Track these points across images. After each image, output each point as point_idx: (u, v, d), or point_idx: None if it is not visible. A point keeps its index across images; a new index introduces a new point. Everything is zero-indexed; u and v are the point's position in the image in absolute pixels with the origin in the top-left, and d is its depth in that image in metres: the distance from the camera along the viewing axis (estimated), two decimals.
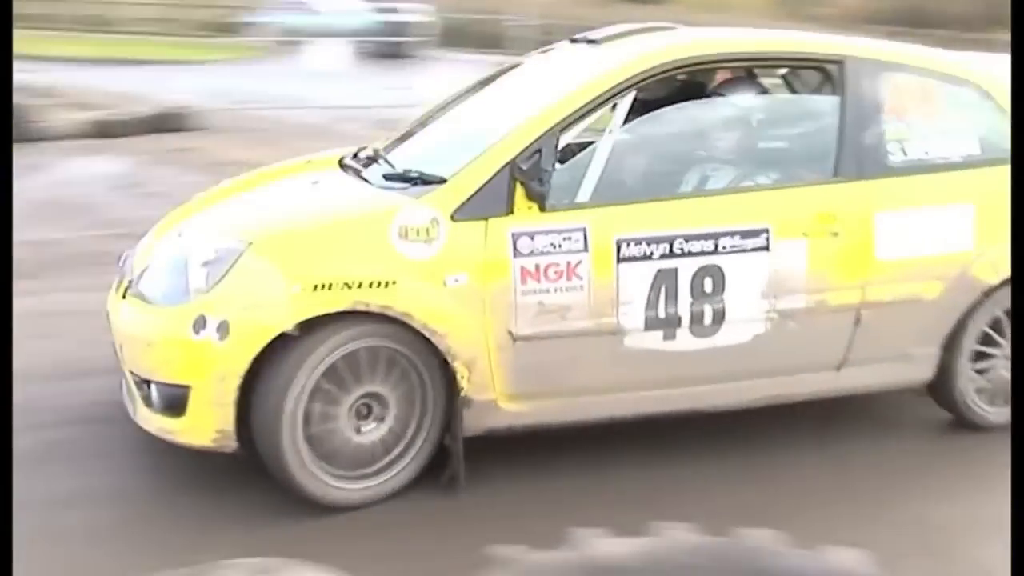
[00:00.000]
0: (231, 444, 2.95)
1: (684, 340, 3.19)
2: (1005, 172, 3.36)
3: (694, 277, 3.14)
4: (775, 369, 3.40)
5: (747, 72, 3.76)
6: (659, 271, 3.10)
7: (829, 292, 3.34)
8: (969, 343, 3.63)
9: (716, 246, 3.15)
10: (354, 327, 2.92)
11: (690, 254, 3.12)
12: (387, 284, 2.89)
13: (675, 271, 3.12)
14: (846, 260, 3.34)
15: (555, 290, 3.03)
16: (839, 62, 3.46)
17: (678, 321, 3.15)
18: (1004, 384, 3.70)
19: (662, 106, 3.43)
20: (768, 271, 3.22)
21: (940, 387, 3.67)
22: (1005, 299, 3.53)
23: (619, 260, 3.06)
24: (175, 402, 2.96)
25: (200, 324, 2.85)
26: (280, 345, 2.84)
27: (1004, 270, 3.42)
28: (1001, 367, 3.70)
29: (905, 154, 3.47)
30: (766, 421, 3.56)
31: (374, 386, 3.00)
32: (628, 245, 3.06)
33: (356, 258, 2.94)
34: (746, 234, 3.19)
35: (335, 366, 2.91)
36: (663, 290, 3.12)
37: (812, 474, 3.41)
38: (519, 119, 3.19)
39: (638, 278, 3.09)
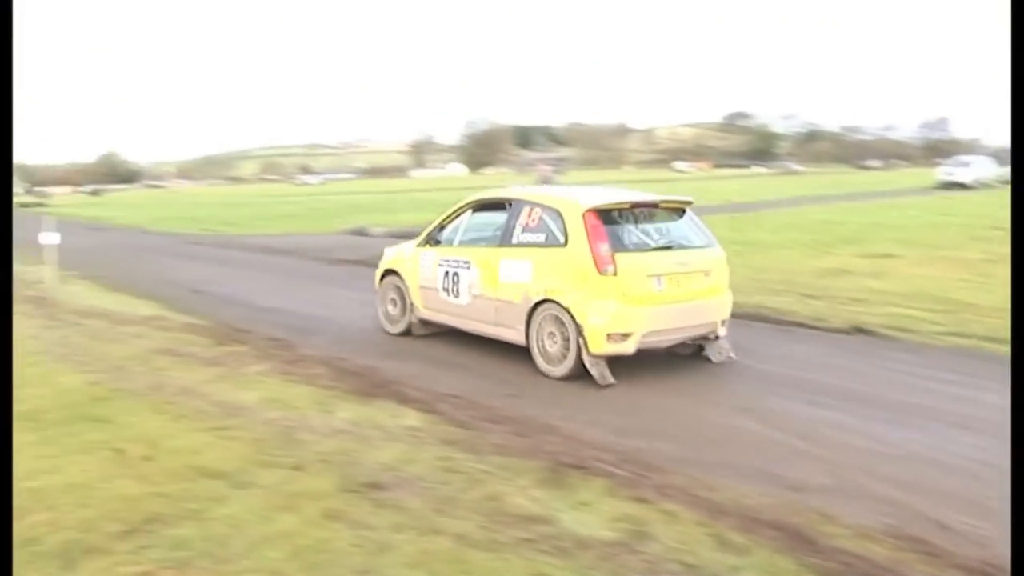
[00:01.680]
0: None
1: (448, 298, 9.85)
2: (557, 251, 8.54)
3: (446, 275, 9.87)
4: (477, 319, 9.52)
5: (498, 203, 9.76)
6: (445, 272, 9.89)
7: (487, 291, 9.28)
8: (532, 327, 8.76)
9: (456, 265, 9.74)
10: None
11: (451, 267, 9.83)
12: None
13: (448, 272, 9.85)
14: (491, 278, 9.20)
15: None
16: (511, 200, 9.48)
17: (447, 291, 9.85)
18: (554, 353, 8.56)
19: (479, 212, 10.02)
20: (469, 278, 9.50)
21: (528, 347, 8.86)
22: (544, 308, 8.61)
23: (440, 267, 10.00)
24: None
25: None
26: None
27: (541, 295, 8.60)
28: (547, 343, 8.65)
29: (517, 238, 9.05)
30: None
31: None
32: (443, 263, 9.97)
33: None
34: (463, 263, 9.64)
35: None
36: (445, 277, 9.89)
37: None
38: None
39: (443, 274, 9.93)
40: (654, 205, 8.92)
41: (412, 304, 10.51)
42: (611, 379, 8.26)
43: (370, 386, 7.88)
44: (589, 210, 8.44)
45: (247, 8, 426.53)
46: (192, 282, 16.11)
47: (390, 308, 10.96)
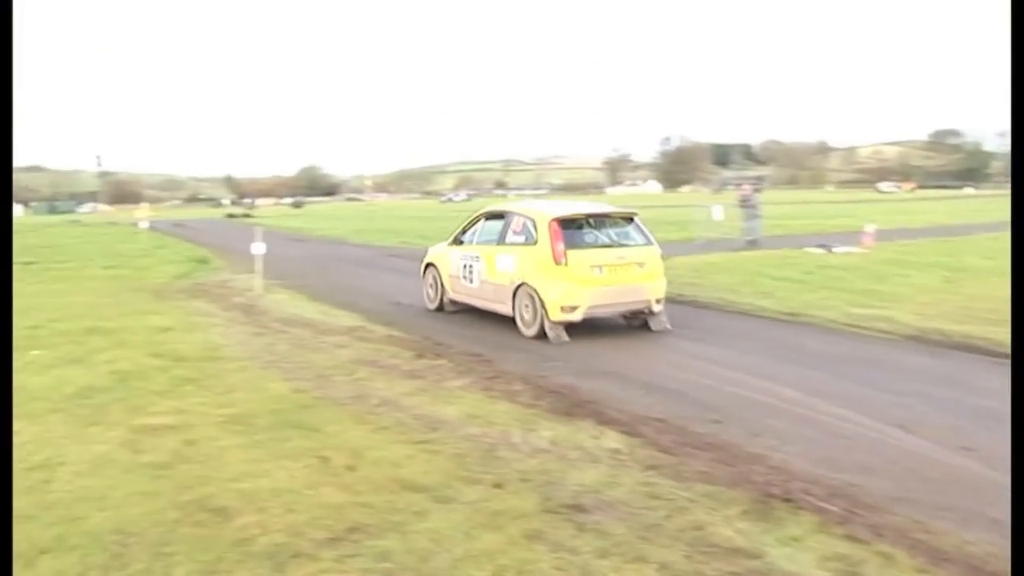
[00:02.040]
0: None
1: (466, 284, 13.59)
2: (531, 248, 12.12)
3: (465, 267, 13.56)
4: (483, 298, 13.26)
5: (500, 214, 13.46)
6: (464, 264, 13.60)
7: (489, 278, 12.96)
8: (515, 302, 12.27)
9: (472, 259, 13.44)
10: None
11: (468, 261, 13.50)
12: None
13: (466, 264, 13.54)
14: (491, 268, 12.91)
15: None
16: (507, 212, 13.22)
17: (466, 278, 13.58)
18: (528, 319, 12.03)
19: (488, 221, 13.70)
20: (479, 268, 13.19)
21: (513, 316, 12.39)
22: (522, 289, 12.13)
23: (461, 260, 13.69)
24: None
25: None
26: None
27: (520, 280, 12.15)
28: (524, 313, 12.12)
29: (508, 239, 12.71)
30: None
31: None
32: (463, 258, 13.66)
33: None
34: (475, 257, 13.35)
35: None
36: (464, 268, 13.59)
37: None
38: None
39: (463, 266, 13.64)
40: (605, 215, 12.57)
41: (444, 288, 14.33)
42: (565, 338, 11.75)
43: (570, 405, 7.84)
44: (553, 219, 12.04)
45: (445, 25, 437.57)
46: (391, 294, 16.55)
47: (430, 291, 14.80)
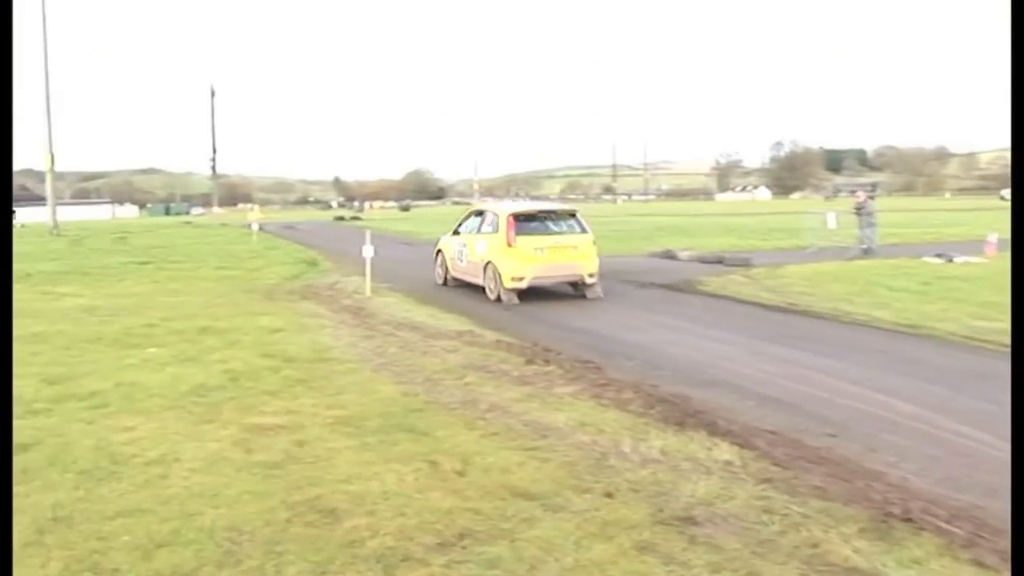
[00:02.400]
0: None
1: (460, 263, 18.63)
2: (495, 235, 17.11)
3: (458, 251, 18.69)
4: (468, 274, 18.23)
5: (480, 212, 18.74)
6: (458, 249, 18.72)
7: (471, 258, 17.95)
8: (485, 276, 17.12)
9: (462, 245, 18.49)
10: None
11: (460, 246, 18.59)
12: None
13: (459, 249, 18.64)
14: (473, 252, 17.90)
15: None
16: (484, 211, 18.45)
17: (459, 259, 18.64)
18: (492, 288, 16.88)
19: (474, 216, 18.90)
20: (466, 252, 18.21)
21: (484, 286, 17.32)
22: (488, 265, 16.99)
23: (456, 246, 18.78)
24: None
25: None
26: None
27: (487, 259, 17.02)
28: (491, 283, 16.94)
29: (482, 230, 17.84)
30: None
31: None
32: (458, 244, 18.77)
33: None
34: (464, 244, 18.46)
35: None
36: (458, 252, 18.74)
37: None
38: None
39: (458, 250, 18.77)
40: (551, 212, 17.45)
41: (447, 267, 19.31)
42: (516, 300, 16.38)
43: (682, 415, 7.76)
44: (510, 214, 16.83)
45: (553, 28, 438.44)
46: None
47: (439, 270, 19.83)
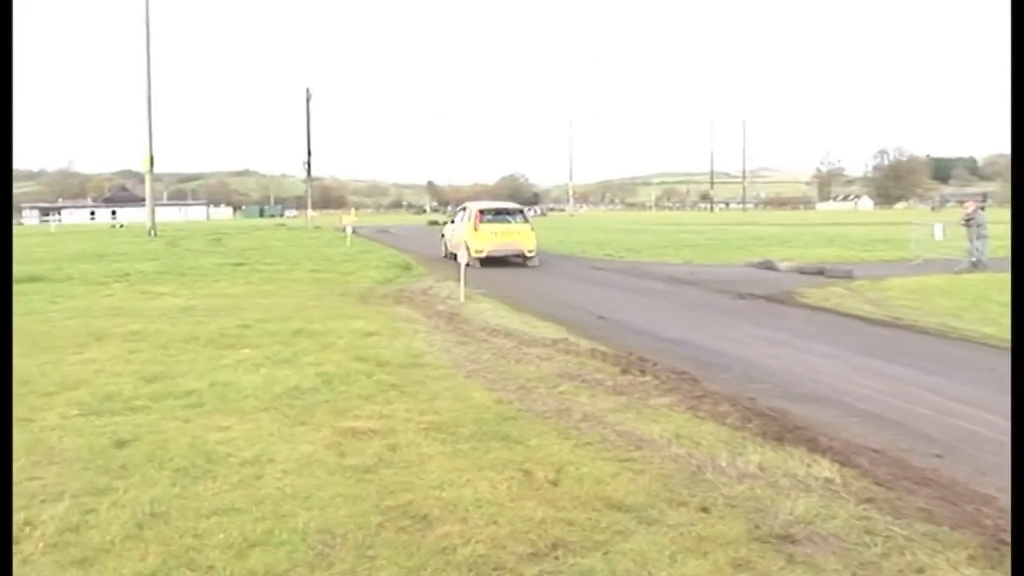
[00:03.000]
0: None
1: (451, 241, 30.31)
2: (468, 224, 28.64)
3: (451, 234, 30.78)
4: (455, 250, 26.48)
5: (464, 208, 31.78)
6: (452, 232, 30.67)
7: (455, 239, 29.10)
8: (460, 250, 21.38)
9: (452, 230, 31.01)
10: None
11: (451, 231, 31.09)
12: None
13: (452, 233, 30.74)
14: (458, 234, 29.29)
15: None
16: (466, 207, 30.79)
17: (451, 240, 30.28)
18: (462, 257, 19.60)
19: (461, 212, 31.40)
20: (454, 234, 29.79)
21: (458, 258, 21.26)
22: (464, 243, 25.13)
23: (450, 231, 31.35)
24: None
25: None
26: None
27: (463, 239, 26.61)
28: (462, 254, 19.85)
29: (461, 219, 30.22)
30: None
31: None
32: (450, 228, 31.74)
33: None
34: (452, 229, 31.21)
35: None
36: (452, 234, 30.47)
37: None
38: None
39: (451, 233, 31.05)
40: (504, 208, 29.35)
41: (446, 245, 30.28)
42: (478, 265, 25.64)
43: (781, 430, 7.66)
44: (477, 210, 28.08)
45: (653, 35, 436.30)
46: (596, 308, 16.64)
47: (442, 248, 31.12)
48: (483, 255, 26.72)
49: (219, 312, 15.22)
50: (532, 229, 28.14)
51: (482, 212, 28.03)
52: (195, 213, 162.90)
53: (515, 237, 27.44)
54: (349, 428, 7.44)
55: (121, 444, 7.00)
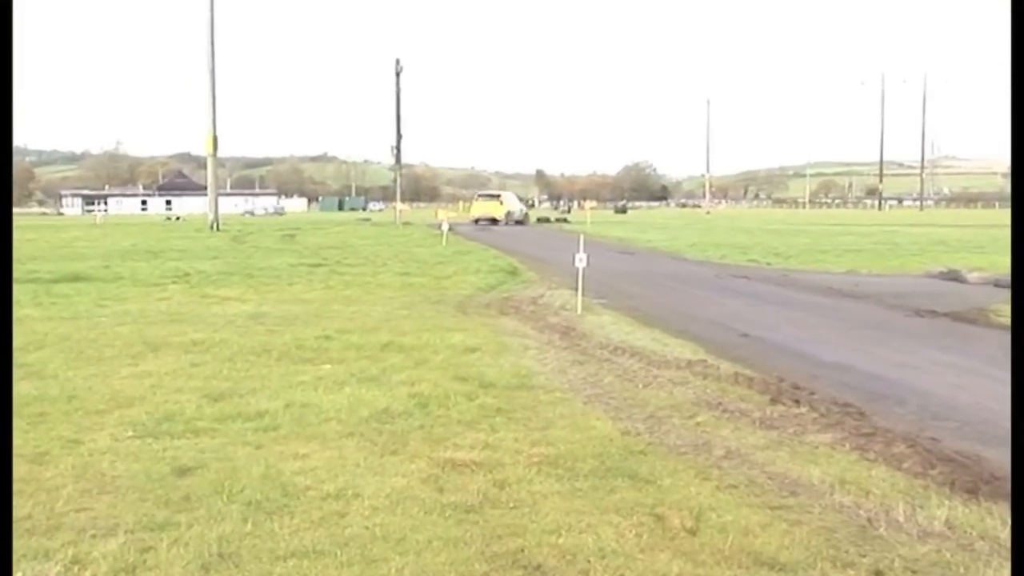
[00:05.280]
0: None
1: (470, 214, 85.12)
2: (474, 201, 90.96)
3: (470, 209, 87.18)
4: (473, 218, 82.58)
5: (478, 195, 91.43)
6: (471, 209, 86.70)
7: (471, 213, 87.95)
8: (473, 217, 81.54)
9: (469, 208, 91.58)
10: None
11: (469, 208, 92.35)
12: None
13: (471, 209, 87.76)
14: (472, 208, 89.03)
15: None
16: (479, 195, 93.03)
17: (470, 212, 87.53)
18: (472, 221, 78.24)
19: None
20: (477, 209, 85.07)
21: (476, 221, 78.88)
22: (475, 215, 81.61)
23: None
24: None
25: None
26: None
27: (476, 214, 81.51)
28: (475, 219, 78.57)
29: (476, 200, 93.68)
30: None
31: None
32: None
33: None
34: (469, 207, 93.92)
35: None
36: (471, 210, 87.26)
37: None
38: None
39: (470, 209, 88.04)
40: (492, 193, 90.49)
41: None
42: (479, 226, 70.05)
43: (973, 479, 7.51)
44: (478, 195, 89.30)
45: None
46: (739, 323, 16.52)
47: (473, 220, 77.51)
48: (482, 220, 73.80)
49: (294, 320, 15.52)
50: (502, 203, 77.99)
51: (480, 195, 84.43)
52: (263, 204, 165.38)
53: (493, 210, 76.45)
54: (448, 459, 7.51)
55: (183, 472, 7.17)
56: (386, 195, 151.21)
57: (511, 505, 6.51)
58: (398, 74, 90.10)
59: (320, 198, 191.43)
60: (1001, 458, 8.31)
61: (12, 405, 7.24)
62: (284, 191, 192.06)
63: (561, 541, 5.81)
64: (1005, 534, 6.34)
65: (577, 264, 17.36)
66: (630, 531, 6.03)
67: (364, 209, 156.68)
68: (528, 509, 6.42)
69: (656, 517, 6.29)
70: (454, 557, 5.54)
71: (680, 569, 5.46)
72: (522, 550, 5.67)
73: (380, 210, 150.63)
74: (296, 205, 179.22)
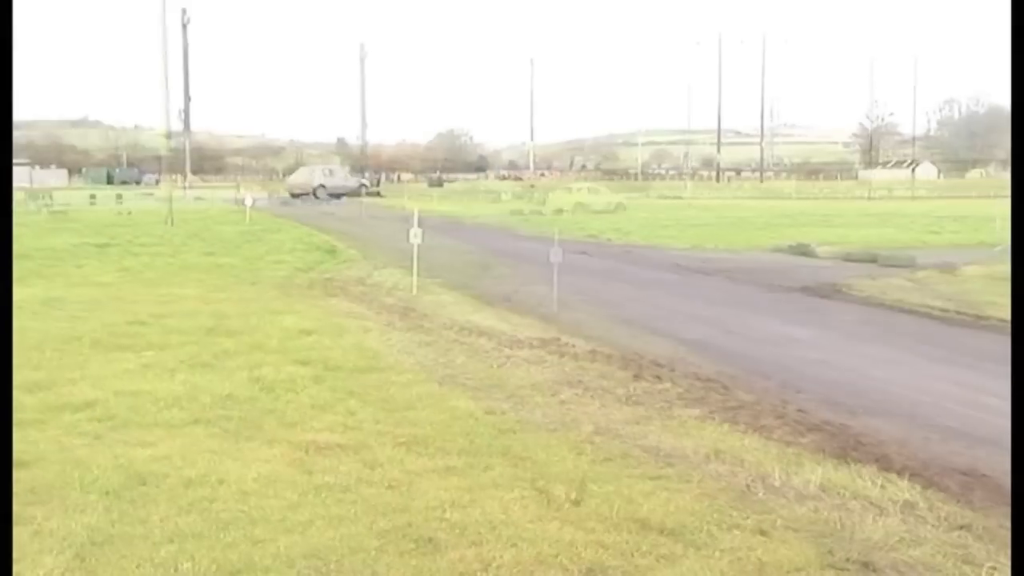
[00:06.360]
0: None
1: None
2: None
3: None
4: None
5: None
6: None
7: None
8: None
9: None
10: None
11: None
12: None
13: None
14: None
15: None
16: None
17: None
18: None
19: None
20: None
21: None
22: None
23: None
24: None
25: None
26: None
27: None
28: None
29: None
30: None
31: None
32: None
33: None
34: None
35: None
36: None
37: None
38: None
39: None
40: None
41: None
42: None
43: (839, 446, 8.32)
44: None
45: None
46: (589, 301, 17.48)
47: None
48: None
49: (96, 306, 15.68)
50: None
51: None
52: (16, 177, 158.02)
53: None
54: (309, 442, 8.02)
55: (18, 465, 7.16)
56: (163, 167, 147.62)
57: (387, 484, 7.04)
58: (184, 26, 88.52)
59: (83, 170, 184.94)
60: (866, 425, 9.21)
61: (12, 405, 7.35)
62: (39, 161, 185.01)
63: (447, 515, 6.38)
64: (876, 493, 7.15)
65: (412, 240, 17.76)
66: (515, 504, 6.64)
67: (138, 183, 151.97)
68: (406, 488, 6.97)
69: (538, 491, 6.90)
70: (342, 533, 6.05)
71: (572, 536, 6.07)
72: (410, 524, 6.21)
73: (156, 185, 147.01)
74: (54, 179, 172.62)
